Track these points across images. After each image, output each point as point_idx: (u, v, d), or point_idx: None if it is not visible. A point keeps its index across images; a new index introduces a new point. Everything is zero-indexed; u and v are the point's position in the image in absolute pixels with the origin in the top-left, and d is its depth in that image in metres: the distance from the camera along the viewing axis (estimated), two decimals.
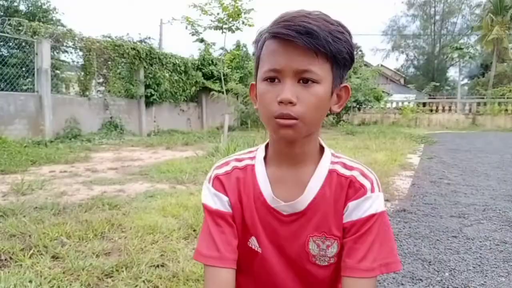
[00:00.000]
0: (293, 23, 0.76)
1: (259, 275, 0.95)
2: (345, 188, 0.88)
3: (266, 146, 0.95)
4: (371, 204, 0.86)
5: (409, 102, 22.32)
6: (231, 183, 0.93)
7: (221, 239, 0.89)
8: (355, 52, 0.90)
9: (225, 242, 0.89)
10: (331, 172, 0.89)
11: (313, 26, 0.75)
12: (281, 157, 0.90)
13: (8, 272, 2.05)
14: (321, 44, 0.76)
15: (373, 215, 0.85)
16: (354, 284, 0.83)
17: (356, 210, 0.86)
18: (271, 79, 0.81)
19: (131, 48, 12.09)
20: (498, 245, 2.72)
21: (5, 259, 2.23)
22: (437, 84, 27.86)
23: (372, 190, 0.87)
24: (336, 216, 0.88)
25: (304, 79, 0.79)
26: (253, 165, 0.93)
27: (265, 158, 0.93)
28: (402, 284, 2.10)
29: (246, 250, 0.94)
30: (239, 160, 0.96)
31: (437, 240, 2.82)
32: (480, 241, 2.79)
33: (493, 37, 23.52)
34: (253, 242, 0.94)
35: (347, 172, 0.89)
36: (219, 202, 0.92)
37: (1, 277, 1.96)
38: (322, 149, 0.92)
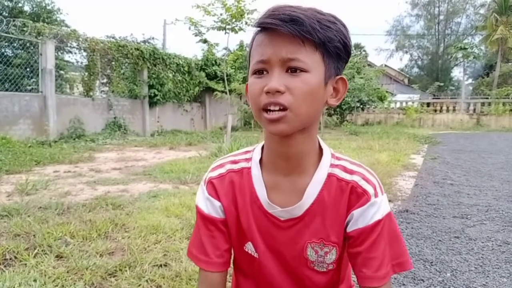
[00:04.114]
0: (278, 12, 0.74)
1: (258, 279, 0.95)
2: (346, 194, 0.84)
3: (263, 147, 0.90)
4: (377, 209, 0.83)
5: (413, 102, 22.25)
6: (224, 187, 0.91)
7: (211, 243, 0.90)
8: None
9: (214, 246, 0.90)
10: (330, 176, 0.85)
11: (299, 14, 0.73)
12: (277, 159, 0.86)
13: (13, 271, 2.07)
14: (306, 31, 0.72)
15: (380, 220, 0.83)
16: None
17: (362, 218, 0.83)
18: (259, 72, 0.78)
19: (135, 48, 12.15)
20: (500, 246, 2.72)
21: (10, 259, 2.25)
22: (441, 84, 27.72)
23: (376, 195, 0.84)
24: (336, 222, 0.86)
25: (292, 68, 0.75)
26: (249, 168, 0.90)
27: (261, 160, 0.90)
28: (404, 284, 2.10)
29: (244, 255, 0.93)
30: (235, 162, 0.92)
31: (439, 240, 2.82)
32: (483, 242, 2.79)
33: (497, 37, 23.40)
34: (249, 247, 0.92)
35: (347, 177, 0.85)
36: (211, 207, 0.91)
37: (6, 276, 1.99)
38: (321, 150, 0.88)
